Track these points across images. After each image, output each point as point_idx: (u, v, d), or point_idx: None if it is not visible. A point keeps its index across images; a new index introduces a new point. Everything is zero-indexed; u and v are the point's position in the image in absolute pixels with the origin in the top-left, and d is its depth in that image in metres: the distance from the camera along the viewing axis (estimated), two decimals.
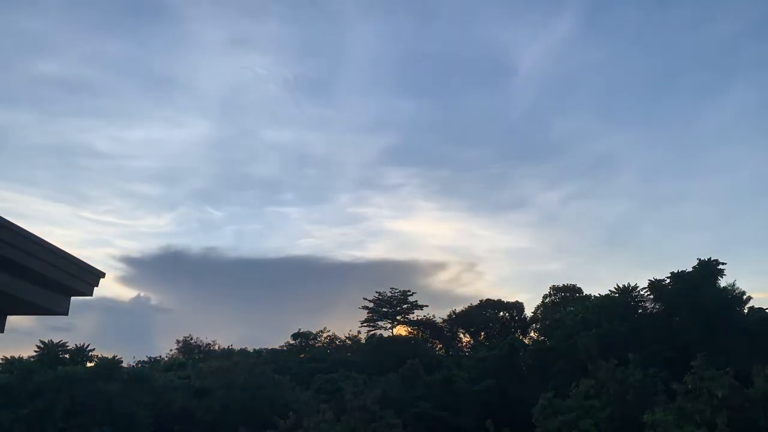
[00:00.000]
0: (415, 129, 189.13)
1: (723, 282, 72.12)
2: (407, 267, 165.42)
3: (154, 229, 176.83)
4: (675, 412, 40.21)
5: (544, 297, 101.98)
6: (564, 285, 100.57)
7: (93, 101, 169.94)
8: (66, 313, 5.75)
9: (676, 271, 72.18)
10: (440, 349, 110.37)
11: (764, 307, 71.94)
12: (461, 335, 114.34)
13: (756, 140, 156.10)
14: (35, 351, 66.85)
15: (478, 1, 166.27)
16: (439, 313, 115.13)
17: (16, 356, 62.47)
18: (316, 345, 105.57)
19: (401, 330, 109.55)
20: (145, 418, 55.42)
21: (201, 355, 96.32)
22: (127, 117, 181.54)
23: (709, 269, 70.90)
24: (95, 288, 5.75)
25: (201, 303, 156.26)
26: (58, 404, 52.83)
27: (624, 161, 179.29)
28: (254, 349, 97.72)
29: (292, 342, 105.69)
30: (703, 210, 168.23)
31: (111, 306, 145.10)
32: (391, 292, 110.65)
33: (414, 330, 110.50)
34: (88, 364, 64.15)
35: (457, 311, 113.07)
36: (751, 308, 72.17)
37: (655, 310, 74.19)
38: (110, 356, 62.75)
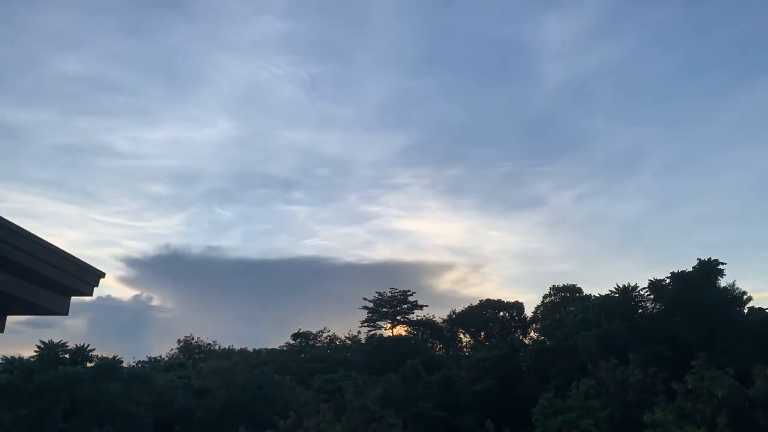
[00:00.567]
0: (428, 128, 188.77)
1: (723, 282, 72.30)
2: (414, 268, 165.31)
3: (163, 230, 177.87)
4: (675, 412, 40.19)
5: (544, 297, 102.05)
6: (564, 285, 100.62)
7: (110, 100, 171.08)
8: (66, 313, 5.76)
9: (676, 271, 72.27)
10: (440, 349, 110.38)
11: (764, 307, 72.07)
12: (461, 335, 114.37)
13: None
14: (35, 351, 66.84)
15: None
16: (443, 314, 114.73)
17: (16, 356, 62.49)
18: (316, 345, 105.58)
19: (401, 330, 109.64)
20: (145, 418, 55.44)
21: (201, 355, 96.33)
22: (144, 116, 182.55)
23: (709, 269, 70.92)
24: (95, 288, 5.75)
25: (202, 303, 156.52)
26: (58, 404, 52.84)
27: (640, 160, 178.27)
28: (254, 349, 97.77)
29: (292, 342, 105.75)
30: (720, 209, 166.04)
31: (111, 306, 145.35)
32: (391, 292, 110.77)
33: (414, 330, 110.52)
34: (89, 364, 64.13)
35: (457, 311, 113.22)
36: (751, 308, 72.22)
37: (655, 310, 74.19)
38: (110, 356, 62.79)
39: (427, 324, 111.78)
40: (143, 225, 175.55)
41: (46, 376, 54.63)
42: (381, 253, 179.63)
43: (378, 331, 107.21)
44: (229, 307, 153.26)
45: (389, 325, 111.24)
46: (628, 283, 74.35)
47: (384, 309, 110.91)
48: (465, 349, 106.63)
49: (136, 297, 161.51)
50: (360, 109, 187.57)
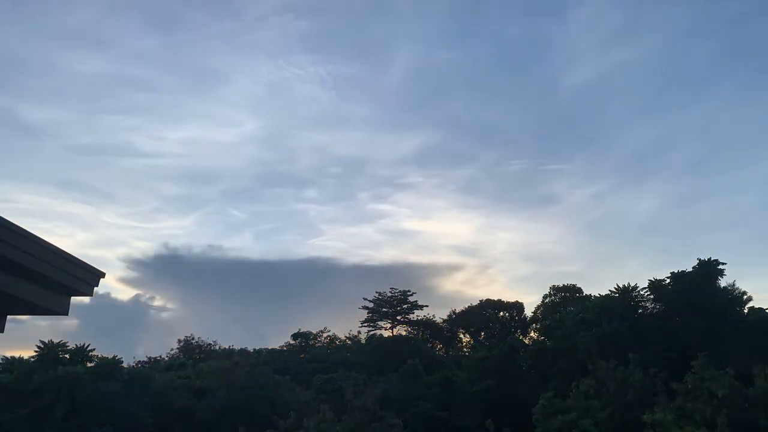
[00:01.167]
0: (442, 128, 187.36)
1: (723, 282, 72.33)
2: (419, 268, 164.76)
3: (174, 231, 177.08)
4: (675, 412, 40.21)
5: (544, 297, 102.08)
6: (564, 285, 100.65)
7: (131, 99, 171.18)
8: (66, 313, 5.76)
9: (676, 271, 72.28)
10: (440, 349, 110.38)
11: (764, 307, 72.07)
12: (461, 335, 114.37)
13: None
14: (35, 351, 66.85)
15: None
16: (444, 314, 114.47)
17: (16, 356, 62.53)
18: (316, 345, 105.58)
19: (401, 330, 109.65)
20: (145, 418, 55.44)
21: (201, 355, 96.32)
22: (165, 115, 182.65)
23: (709, 269, 70.94)
24: (95, 288, 5.75)
25: (203, 303, 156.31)
26: (58, 404, 52.84)
27: (658, 160, 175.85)
28: (254, 349, 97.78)
29: (292, 342, 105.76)
30: (738, 207, 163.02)
31: (113, 306, 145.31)
32: (391, 292, 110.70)
33: (414, 330, 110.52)
34: (88, 364, 64.15)
35: (457, 311, 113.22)
36: (751, 308, 72.24)
37: (655, 310, 74.17)
38: (110, 356, 62.80)
39: (427, 324, 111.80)
40: (154, 226, 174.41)
41: (46, 376, 54.64)
42: (388, 253, 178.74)
43: (378, 331, 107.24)
44: (231, 308, 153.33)
45: (389, 325, 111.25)
46: (628, 283, 74.39)
47: (384, 309, 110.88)
48: (465, 349, 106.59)
49: (137, 297, 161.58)
50: (377, 108, 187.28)
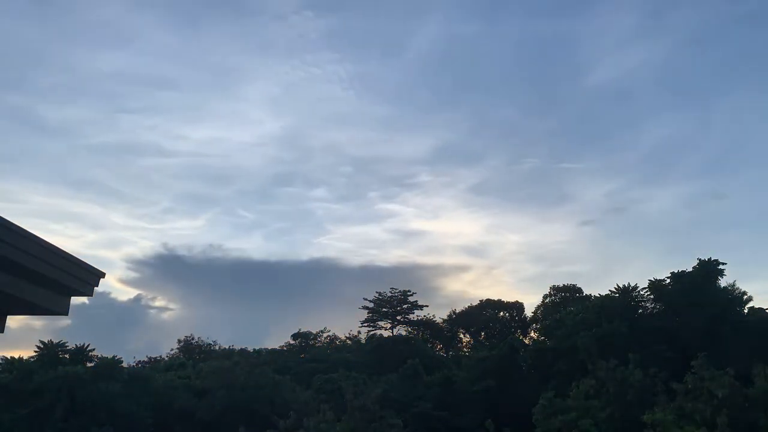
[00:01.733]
0: (455, 127, 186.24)
1: (723, 282, 72.31)
2: (425, 269, 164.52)
3: (185, 231, 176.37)
4: (675, 412, 40.19)
5: (544, 297, 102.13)
6: (564, 285, 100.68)
7: (149, 98, 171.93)
8: (66, 313, 5.76)
9: (676, 271, 72.27)
10: (440, 349, 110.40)
11: (764, 307, 72.09)
12: (461, 335, 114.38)
13: None
14: (35, 351, 66.85)
15: None
16: (447, 315, 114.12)
17: (16, 356, 62.51)
18: (316, 345, 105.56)
19: (401, 330, 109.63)
20: (145, 418, 55.43)
21: (201, 355, 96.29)
22: (184, 114, 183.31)
23: (709, 269, 70.93)
24: (95, 288, 5.75)
25: (204, 304, 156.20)
26: (58, 404, 52.83)
27: (675, 160, 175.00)
28: (254, 349, 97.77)
29: (292, 342, 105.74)
30: (757, 207, 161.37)
31: (113, 305, 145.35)
32: (391, 292, 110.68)
33: (414, 330, 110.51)
34: (88, 364, 64.15)
35: (457, 311, 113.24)
36: (752, 308, 72.25)
37: (655, 310, 74.16)
38: (110, 356, 62.79)
39: (427, 324, 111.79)
40: (165, 227, 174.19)
41: (46, 376, 54.63)
42: (395, 253, 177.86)
43: (378, 331, 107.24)
44: (232, 308, 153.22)
45: (389, 325, 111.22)
46: (628, 283, 74.39)
47: (384, 309, 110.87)
48: (465, 349, 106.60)
49: (139, 297, 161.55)
50: (392, 107, 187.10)
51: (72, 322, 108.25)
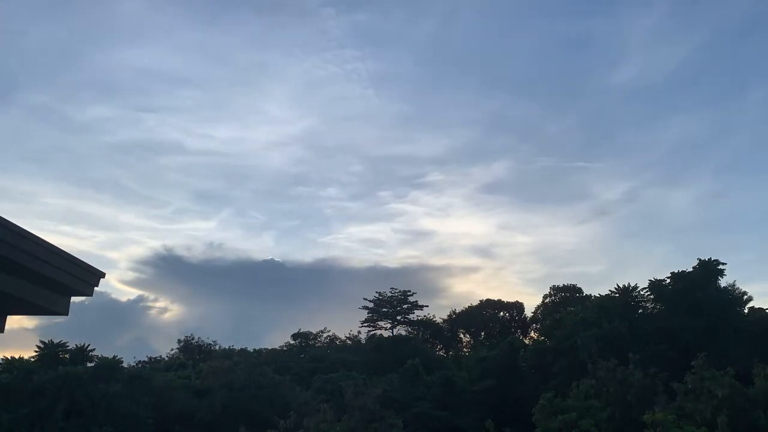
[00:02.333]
0: (471, 126, 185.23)
1: (723, 282, 72.31)
2: (436, 269, 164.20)
3: (198, 232, 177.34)
4: (675, 412, 40.18)
5: (545, 297, 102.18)
6: (564, 285, 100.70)
7: (173, 96, 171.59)
8: (66, 313, 5.76)
9: (676, 271, 72.25)
10: (440, 349, 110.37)
11: (764, 307, 72.11)
12: (461, 335, 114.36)
13: None
14: (35, 351, 66.86)
15: None
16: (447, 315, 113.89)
17: (16, 356, 62.51)
18: (316, 345, 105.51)
19: (401, 330, 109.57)
20: (145, 418, 55.41)
21: (201, 356, 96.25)
22: (203, 113, 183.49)
23: (709, 269, 70.91)
24: (95, 288, 5.75)
25: (206, 304, 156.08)
26: (58, 404, 52.83)
27: (693, 157, 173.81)
28: (254, 349, 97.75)
29: (292, 342, 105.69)
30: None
31: (116, 305, 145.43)
32: (391, 292, 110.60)
33: (414, 330, 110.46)
34: (89, 364, 64.13)
35: (457, 311, 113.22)
36: (752, 308, 72.29)
37: (655, 310, 74.15)
38: (110, 356, 62.78)
39: (427, 324, 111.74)
40: (176, 227, 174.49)
41: (46, 376, 54.64)
42: (402, 253, 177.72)
43: (378, 331, 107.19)
44: (232, 309, 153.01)
45: (389, 325, 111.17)
46: (628, 283, 74.42)
47: (384, 309, 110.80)
48: (465, 349, 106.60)
49: (141, 297, 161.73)
50: (410, 105, 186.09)
51: (72, 322, 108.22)
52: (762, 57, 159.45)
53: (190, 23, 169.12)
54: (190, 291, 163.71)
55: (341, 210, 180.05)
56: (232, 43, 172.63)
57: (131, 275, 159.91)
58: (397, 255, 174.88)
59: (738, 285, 73.90)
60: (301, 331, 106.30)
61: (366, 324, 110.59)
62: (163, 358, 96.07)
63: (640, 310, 74.44)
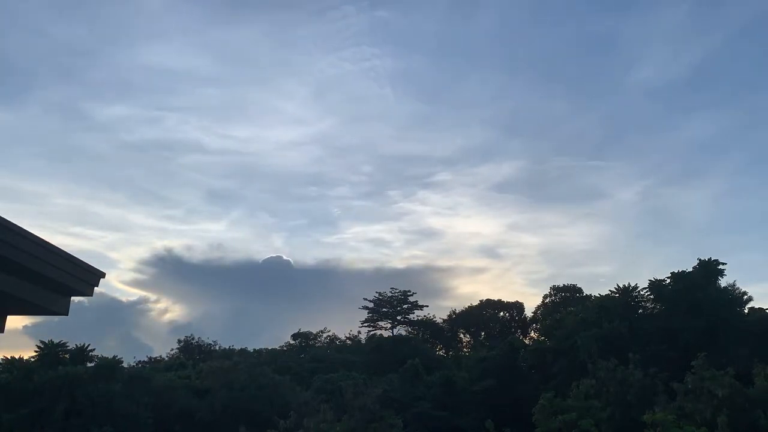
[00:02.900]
0: (485, 125, 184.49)
1: (723, 282, 72.28)
2: (443, 270, 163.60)
3: (208, 233, 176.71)
4: (675, 412, 40.17)
5: (545, 297, 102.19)
6: (564, 285, 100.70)
7: (189, 96, 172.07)
8: (66, 313, 5.76)
9: (676, 271, 72.22)
10: (440, 349, 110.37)
11: (764, 307, 72.07)
12: (461, 335, 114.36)
13: None
14: (35, 351, 66.82)
15: None
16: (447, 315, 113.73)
17: (16, 356, 62.49)
18: (316, 345, 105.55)
19: (401, 330, 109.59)
20: (145, 418, 55.41)
21: (201, 356, 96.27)
22: (218, 112, 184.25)
23: (710, 269, 70.89)
24: (95, 288, 5.75)
25: (208, 304, 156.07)
26: (58, 404, 52.82)
27: (708, 157, 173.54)
28: (254, 349, 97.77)
29: (292, 342, 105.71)
30: None
31: (116, 306, 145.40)
32: (391, 292, 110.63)
33: (414, 330, 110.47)
34: (89, 364, 64.12)
35: (457, 311, 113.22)
36: (752, 308, 72.25)
37: (655, 310, 74.12)
38: (110, 356, 62.78)
39: (428, 324, 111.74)
40: (187, 228, 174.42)
41: (46, 376, 54.62)
42: (409, 252, 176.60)
43: (378, 331, 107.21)
44: (234, 309, 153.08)
45: (389, 325, 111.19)
46: (628, 283, 74.38)
47: (384, 309, 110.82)
48: (465, 349, 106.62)
49: (142, 298, 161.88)
50: (426, 104, 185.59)
51: (72, 322, 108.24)
52: None
53: (209, 22, 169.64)
54: (192, 291, 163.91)
55: (349, 209, 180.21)
56: (250, 41, 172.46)
57: (134, 276, 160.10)
58: (403, 255, 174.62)
59: (738, 285, 73.96)
60: (302, 331, 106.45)
61: (366, 324, 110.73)
62: (163, 358, 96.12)
63: (640, 310, 74.38)
